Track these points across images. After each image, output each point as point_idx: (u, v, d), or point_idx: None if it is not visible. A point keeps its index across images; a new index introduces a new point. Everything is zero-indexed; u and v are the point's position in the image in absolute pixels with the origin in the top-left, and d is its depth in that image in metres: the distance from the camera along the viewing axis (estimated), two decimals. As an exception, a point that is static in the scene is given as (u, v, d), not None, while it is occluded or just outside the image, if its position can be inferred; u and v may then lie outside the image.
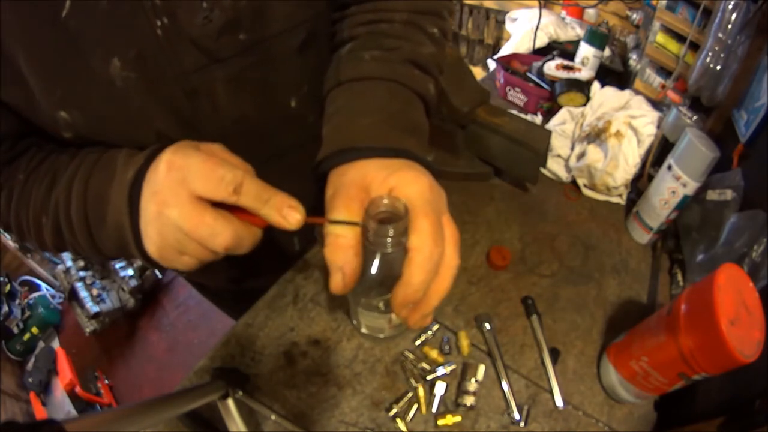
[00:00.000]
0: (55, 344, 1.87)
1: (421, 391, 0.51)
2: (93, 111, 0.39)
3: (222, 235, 0.32)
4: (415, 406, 0.50)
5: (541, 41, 1.14)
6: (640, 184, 0.76)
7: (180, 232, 0.32)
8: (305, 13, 0.45)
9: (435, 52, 0.46)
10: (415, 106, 0.43)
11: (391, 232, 0.32)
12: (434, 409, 0.50)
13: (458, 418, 0.49)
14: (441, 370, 0.52)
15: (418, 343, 0.55)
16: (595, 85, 0.88)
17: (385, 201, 0.33)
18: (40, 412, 1.58)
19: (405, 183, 0.33)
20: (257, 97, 0.47)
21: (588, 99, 0.83)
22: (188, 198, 0.31)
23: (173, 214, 0.31)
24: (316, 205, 0.36)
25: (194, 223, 0.31)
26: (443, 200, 0.36)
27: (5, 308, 1.80)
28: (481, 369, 0.52)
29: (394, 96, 0.42)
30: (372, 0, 0.47)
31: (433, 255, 0.32)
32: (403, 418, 0.49)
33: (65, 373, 1.65)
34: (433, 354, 0.54)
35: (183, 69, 0.40)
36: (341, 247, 0.32)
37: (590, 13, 1.24)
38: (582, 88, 0.83)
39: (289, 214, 0.32)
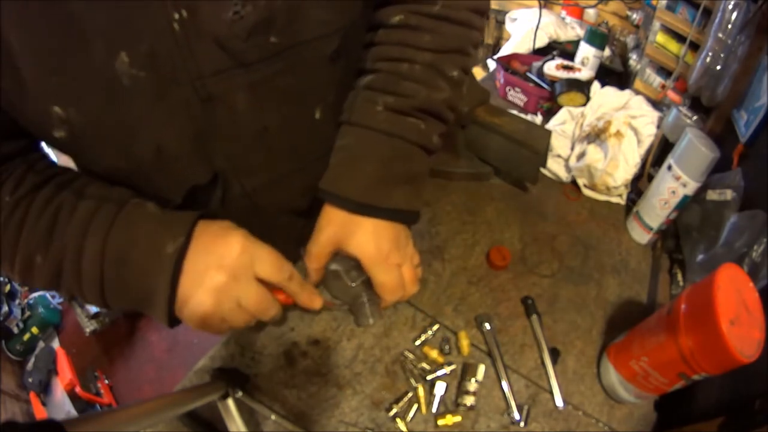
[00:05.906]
0: (55, 344, 1.87)
1: (421, 391, 0.51)
2: (91, 110, 0.35)
3: (273, 309, 0.41)
4: (415, 406, 0.50)
5: (541, 41, 1.14)
6: (640, 184, 0.76)
7: (236, 304, 0.38)
8: (341, 20, 0.42)
9: (450, 96, 0.45)
10: (416, 158, 0.44)
11: (349, 279, 0.46)
12: (434, 409, 0.50)
13: (458, 418, 0.49)
14: (441, 370, 0.52)
15: (418, 343, 0.55)
16: (595, 85, 0.88)
17: (343, 255, 0.45)
18: (40, 412, 1.58)
19: (353, 246, 0.43)
20: (282, 108, 0.44)
21: (588, 99, 0.83)
22: (254, 277, 0.39)
23: (241, 289, 0.38)
24: None
25: (258, 299, 0.39)
26: (399, 252, 0.44)
27: (5, 308, 1.80)
28: (481, 369, 0.52)
29: (396, 151, 0.43)
30: (401, 28, 0.43)
31: (392, 299, 0.46)
32: (403, 418, 0.49)
33: (65, 373, 1.65)
34: (433, 354, 0.54)
35: (200, 71, 0.36)
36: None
37: (590, 13, 1.24)
38: (582, 88, 0.83)
39: (314, 301, 0.44)
